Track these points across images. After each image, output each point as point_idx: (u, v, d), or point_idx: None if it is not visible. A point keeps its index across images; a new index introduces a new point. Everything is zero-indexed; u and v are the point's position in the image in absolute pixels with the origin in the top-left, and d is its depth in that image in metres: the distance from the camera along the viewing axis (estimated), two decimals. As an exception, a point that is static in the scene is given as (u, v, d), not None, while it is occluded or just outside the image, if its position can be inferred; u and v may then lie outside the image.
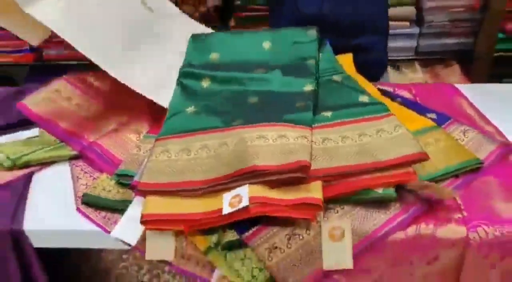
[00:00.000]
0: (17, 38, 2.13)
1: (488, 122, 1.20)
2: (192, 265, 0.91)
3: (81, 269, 1.11)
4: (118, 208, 0.93)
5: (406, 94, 1.34)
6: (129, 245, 0.89)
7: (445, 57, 2.32)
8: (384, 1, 1.55)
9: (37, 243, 0.94)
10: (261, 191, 0.82)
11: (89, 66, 1.19)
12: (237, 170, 0.85)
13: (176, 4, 2.18)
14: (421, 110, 1.20)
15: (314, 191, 0.83)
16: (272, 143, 0.89)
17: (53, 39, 2.22)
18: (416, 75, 2.24)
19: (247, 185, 0.84)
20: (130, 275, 1.08)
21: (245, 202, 0.81)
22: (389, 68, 2.21)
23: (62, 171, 1.08)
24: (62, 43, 2.24)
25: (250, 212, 0.80)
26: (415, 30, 2.24)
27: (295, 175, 0.83)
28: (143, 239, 0.88)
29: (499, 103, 1.29)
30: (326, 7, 1.45)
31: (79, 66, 1.41)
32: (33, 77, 2.27)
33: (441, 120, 1.16)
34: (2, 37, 2.29)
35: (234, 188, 0.85)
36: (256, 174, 0.84)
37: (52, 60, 2.29)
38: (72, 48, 1.12)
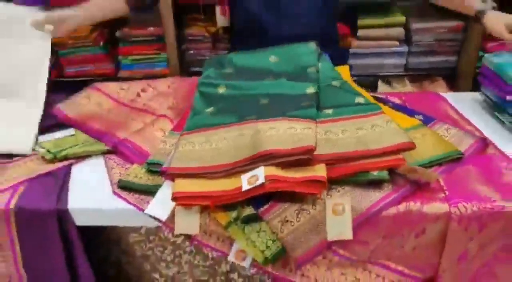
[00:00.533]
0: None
1: (468, 123, 1.34)
2: (213, 240, 1.03)
3: (111, 251, 1.22)
4: (149, 190, 1.06)
5: (396, 100, 1.48)
6: (160, 220, 1.01)
7: (432, 73, 2.46)
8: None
9: (79, 221, 1.05)
10: (274, 171, 0.95)
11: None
12: (254, 154, 0.98)
13: (187, 26, 2.35)
14: (409, 112, 1.34)
15: (319, 171, 0.96)
16: (283, 133, 1.02)
17: (73, 57, 2.39)
18: (406, 89, 2.37)
19: (262, 166, 0.97)
20: (155, 256, 1.19)
21: (261, 180, 0.93)
22: (380, 83, 2.38)
23: (97, 163, 1.20)
24: (83, 61, 2.40)
25: (266, 188, 0.93)
26: (404, 49, 2.39)
27: (303, 157, 0.96)
28: (172, 216, 1.00)
29: (478, 108, 1.44)
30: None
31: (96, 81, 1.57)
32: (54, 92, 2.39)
33: (427, 120, 1.31)
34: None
35: (251, 170, 0.98)
36: (269, 156, 0.97)
37: (71, 77, 2.43)
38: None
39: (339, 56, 1.64)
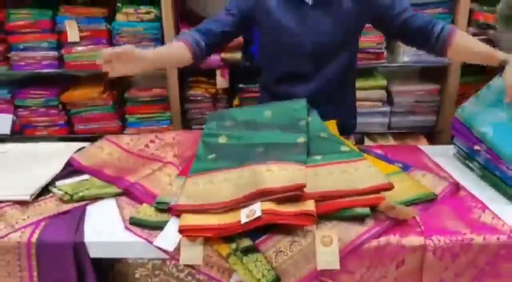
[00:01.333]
0: (56, 113, 2.43)
1: (443, 170, 1.46)
2: (214, 271, 1.12)
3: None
4: (158, 226, 1.15)
5: (378, 151, 1.60)
6: (167, 252, 1.10)
7: (413, 131, 2.61)
8: None
9: (93, 253, 1.14)
10: (270, 205, 1.06)
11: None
12: (251, 192, 1.09)
13: (189, 88, 2.51)
14: (389, 161, 1.47)
15: (309, 206, 1.07)
16: (277, 173, 1.14)
17: (84, 116, 2.52)
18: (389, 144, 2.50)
19: (259, 202, 1.07)
20: (160, 290, 1.26)
21: (258, 213, 1.04)
22: (366, 139, 2.51)
23: (110, 204, 1.30)
24: (93, 119, 2.54)
25: (262, 220, 1.03)
26: (387, 109, 2.55)
27: (294, 193, 1.07)
28: (178, 248, 1.09)
29: (451, 158, 1.57)
30: None
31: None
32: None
33: (406, 167, 1.43)
34: (41, 113, 2.55)
35: (249, 205, 1.09)
36: (266, 193, 1.08)
37: (81, 133, 2.57)
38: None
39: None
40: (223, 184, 1.19)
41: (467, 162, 1.48)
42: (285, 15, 1.61)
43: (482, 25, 2.33)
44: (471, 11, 2.33)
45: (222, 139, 1.42)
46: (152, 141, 1.63)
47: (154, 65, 1.48)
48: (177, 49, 1.57)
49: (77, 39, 2.40)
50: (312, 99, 1.58)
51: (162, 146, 1.60)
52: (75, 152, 1.58)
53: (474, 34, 2.26)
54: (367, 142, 2.53)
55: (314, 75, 1.67)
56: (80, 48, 2.42)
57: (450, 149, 1.62)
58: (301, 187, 1.08)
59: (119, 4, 2.36)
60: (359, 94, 2.43)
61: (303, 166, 1.19)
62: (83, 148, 1.64)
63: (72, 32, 2.38)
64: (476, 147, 1.40)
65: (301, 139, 1.34)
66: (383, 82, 2.52)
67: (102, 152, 1.58)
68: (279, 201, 1.08)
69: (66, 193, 1.31)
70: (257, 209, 1.06)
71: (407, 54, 2.42)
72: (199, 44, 1.60)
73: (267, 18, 1.64)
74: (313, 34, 1.61)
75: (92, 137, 1.73)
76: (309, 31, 1.61)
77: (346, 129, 1.70)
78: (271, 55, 1.72)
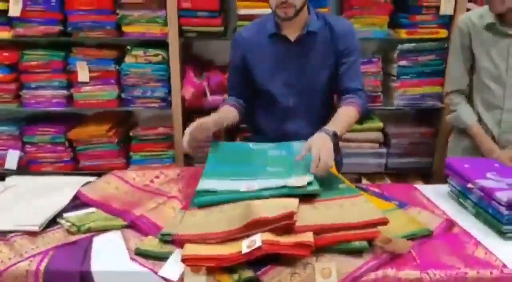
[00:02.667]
0: (63, 150, 2.47)
1: (437, 208, 1.50)
2: (216, 302, 1.14)
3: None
4: (162, 256, 1.18)
5: (375, 189, 1.64)
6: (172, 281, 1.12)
7: (410, 172, 2.66)
8: None
9: (99, 282, 1.16)
10: (270, 236, 1.10)
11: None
12: (245, 224, 1.14)
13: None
14: (386, 198, 1.51)
15: (308, 237, 1.11)
16: (269, 202, 1.21)
17: (89, 152, 2.57)
18: (386, 186, 2.54)
19: (259, 233, 1.11)
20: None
21: (258, 244, 1.07)
22: (364, 180, 2.55)
23: (116, 235, 1.33)
24: (98, 156, 2.58)
25: (262, 250, 1.07)
26: (384, 150, 2.60)
27: (286, 222, 1.12)
28: (182, 278, 1.12)
29: (446, 197, 1.61)
30: None
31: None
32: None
33: (402, 205, 1.47)
34: (47, 149, 2.60)
35: (247, 236, 1.13)
36: (259, 223, 1.13)
37: (86, 170, 2.59)
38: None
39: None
40: (219, 215, 1.24)
41: (460, 200, 1.52)
42: (272, 52, 1.75)
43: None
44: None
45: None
46: (157, 177, 1.67)
47: (214, 130, 1.69)
48: (229, 113, 1.80)
49: (87, 79, 2.47)
50: (299, 137, 1.67)
51: (167, 181, 1.64)
52: (83, 185, 1.62)
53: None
54: (365, 182, 2.56)
55: (299, 112, 1.78)
56: (89, 87, 2.49)
57: (445, 188, 1.66)
58: (292, 215, 1.13)
59: (129, 47, 2.45)
60: (356, 135, 2.54)
61: (296, 198, 1.24)
62: (91, 181, 1.67)
63: (83, 72, 2.45)
64: (469, 185, 1.44)
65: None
66: (380, 124, 2.58)
67: (109, 186, 1.62)
68: (279, 232, 1.12)
69: (73, 224, 1.34)
70: (257, 239, 1.09)
71: (401, 98, 2.50)
72: (241, 103, 1.86)
73: (256, 60, 1.78)
74: (296, 69, 1.73)
75: (96, 174, 1.76)
76: (293, 69, 1.73)
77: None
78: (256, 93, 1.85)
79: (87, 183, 1.66)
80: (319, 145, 1.42)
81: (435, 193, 1.63)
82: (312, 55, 1.73)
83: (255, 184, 1.34)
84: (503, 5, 1.75)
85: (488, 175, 1.46)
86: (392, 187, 1.78)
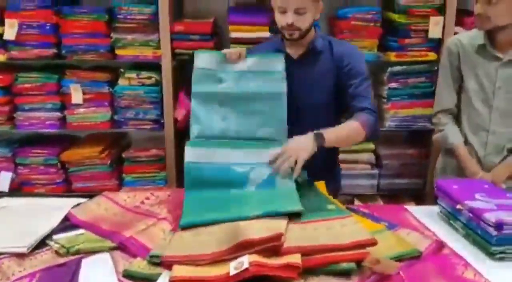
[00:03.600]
0: (55, 172, 2.47)
1: (427, 229, 1.50)
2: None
3: None
4: (151, 278, 1.17)
5: (365, 210, 1.64)
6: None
7: (402, 193, 2.66)
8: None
9: (86, 306, 1.15)
10: (257, 258, 1.10)
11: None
12: (232, 245, 1.14)
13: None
14: (375, 219, 1.51)
15: (295, 258, 1.11)
16: (255, 222, 1.22)
17: (81, 174, 2.56)
18: (379, 207, 2.54)
19: (247, 254, 1.11)
20: None
21: (245, 265, 1.07)
22: (356, 201, 2.55)
23: (104, 257, 1.32)
24: (90, 178, 2.57)
25: (250, 272, 1.06)
26: (376, 172, 2.61)
27: (274, 244, 1.13)
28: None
29: (435, 218, 1.60)
30: None
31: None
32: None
33: (391, 226, 1.47)
34: (40, 171, 2.59)
35: (234, 258, 1.12)
36: (246, 245, 1.13)
37: (78, 192, 2.58)
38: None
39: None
40: (207, 236, 1.24)
41: (450, 221, 1.52)
42: None
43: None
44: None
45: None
46: (147, 198, 1.67)
47: None
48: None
49: (81, 101, 2.48)
50: None
51: (157, 203, 1.63)
52: (73, 207, 1.61)
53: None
54: (357, 203, 2.56)
55: (300, 130, 1.69)
56: (82, 109, 2.50)
57: (435, 209, 1.66)
58: (279, 236, 1.13)
59: (122, 70, 2.47)
60: (348, 156, 2.54)
61: (285, 219, 1.24)
62: (81, 203, 1.66)
63: (76, 95, 2.47)
64: (458, 207, 1.45)
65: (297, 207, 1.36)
66: (371, 145, 2.60)
67: (99, 207, 1.61)
68: (267, 254, 1.12)
69: (62, 246, 1.34)
70: (245, 261, 1.09)
71: (392, 119, 2.51)
72: None
73: None
74: (297, 86, 1.73)
75: (89, 196, 1.74)
76: (293, 87, 1.72)
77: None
78: None
79: (78, 204, 1.65)
80: (293, 139, 1.54)
81: (425, 214, 1.62)
82: (312, 73, 1.76)
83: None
84: (489, 22, 1.77)
85: (477, 196, 1.46)
86: (382, 208, 1.78)
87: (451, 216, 1.52)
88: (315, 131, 1.58)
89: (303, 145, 1.54)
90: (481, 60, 1.87)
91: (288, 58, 1.75)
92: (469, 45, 1.89)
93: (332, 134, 1.61)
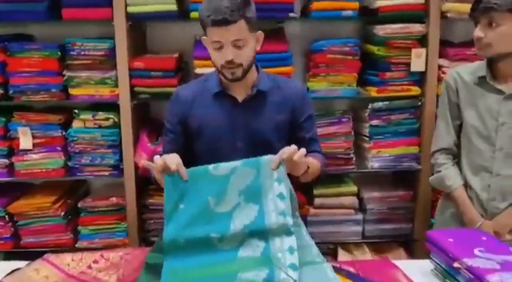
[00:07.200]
0: (2, 226, 2.27)
1: (419, 288, 1.34)
2: None
3: None
4: None
5: (350, 269, 1.48)
6: None
7: (389, 240, 2.51)
8: None
9: None
10: None
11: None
12: None
13: (149, 197, 2.39)
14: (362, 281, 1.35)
15: None
16: None
17: (32, 228, 2.36)
18: (365, 256, 2.38)
19: None
20: None
21: None
22: (340, 250, 2.40)
23: None
24: (42, 232, 2.37)
25: None
26: (360, 217, 2.47)
27: None
28: None
29: (429, 275, 1.45)
30: None
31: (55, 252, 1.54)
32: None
33: (379, 289, 1.30)
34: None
35: None
36: None
37: (28, 248, 2.37)
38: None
39: None
40: None
41: (447, 280, 1.36)
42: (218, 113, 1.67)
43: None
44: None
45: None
46: (96, 261, 1.49)
47: None
48: None
49: (30, 147, 2.33)
50: None
51: (107, 267, 1.45)
52: (6, 275, 1.41)
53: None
54: (341, 253, 2.40)
55: None
56: (32, 155, 2.35)
57: (427, 264, 1.50)
58: None
59: (76, 111, 2.33)
60: (330, 201, 2.43)
61: None
62: (17, 269, 1.46)
63: (25, 139, 2.32)
64: (456, 265, 1.30)
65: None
66: (354, 188, 2.47)
67: (38, 274, 1.42)
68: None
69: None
70: None
71: (376, 160, 2.40)
72: None
73: (199, 120, 1.69)
74: (244, 131, 1.66)
75: (40, 252, 1.59)
76: (240, 129, 1.66)
77: None
78: (200, 156, 1.72)
79: (14, 270, 1.45)
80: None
81: (417, 271, 1.46)
82: (261, 116, 1.67)
83: None
84: (490, 49, 1.67)
85: (476, 252, 1.32)
86: (369, 265, 1.61)
87: (447, 275, 1.36)
88: None
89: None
90: (481, 94, 1.76)
91: (232, 99, 1.66)
92: (469, 78, 1.79)
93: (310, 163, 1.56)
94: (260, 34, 1.62)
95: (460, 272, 1.29)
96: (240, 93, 1.66)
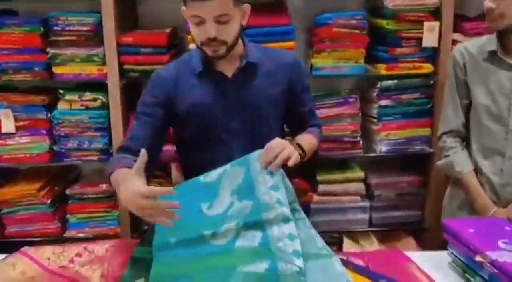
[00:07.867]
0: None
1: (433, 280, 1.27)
2: None
3: None
4: None
5: (359, 262, 1.38)
6: None
7: (398, 228, 2.43)
8: None
9: None
10: None
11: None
12: None
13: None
14: (372, 276, 1.27)
15: None
16: None
17: (17, 216, 2.26)
18: (373, 246, 2.30)
19: None
20: None
21: None
22: (345, 239, 2.32)
23: None
24: (27, 220, 2.27)
25: None
26: (366, 204, 2.39)
27: None
28: None
29: (446, 269, 1.37)
30: None
31: (41, 242, 1.45)
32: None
33: (391, 284, 1.21)
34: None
35: None
36: None
37: (12, 237, 2.30)
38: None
39: None
40: None
41: (467, 275, 1.27)
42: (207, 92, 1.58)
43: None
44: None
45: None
46: (78, 254, 1.40)
47: None
48: None
49: (13, 130, 2.25)
50: None
51: (90, 261, 1.37)
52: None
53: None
54: (347, 243, 2.33)
55: (243, 150, 1.48)
56: (15, 139, 2.27)
57: (444, 256, 1.41)
58: None
59: (61, 91, 2.23)
60: (332, 187, 2.36)
61: None
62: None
63: (7, 122, 2.24)
64: (478, 258, 1.19)
65: None
66: (361, 174, 2.39)
67: (14, 269, 1.34)
68: None
69: None
70: None
71: (384, 143, 2.31)
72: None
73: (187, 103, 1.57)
74: (238, 109, 1.57)
75: (26, 242, 1.55)
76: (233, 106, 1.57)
77: None
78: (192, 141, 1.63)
79: (-10, 264, 1.36)
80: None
81: (432, 264, 1.37)
82: (254, 90, 1.57)
83: None
84: (502, 20, 1.57)
85: (500, 243, 1.22)
86: (379, 256, 1.52)
87: (468, 269, 1.27)
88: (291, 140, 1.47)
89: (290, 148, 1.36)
90: (492, 71, 1.66)
91: (221, 76, 1.55)
92: (478, 53, 1.70)
93: (306, 145, 1.52)
94: (247, 6, 1.50)
95: (483, 266, 1.19)
96: (228, 68, 1.54)
